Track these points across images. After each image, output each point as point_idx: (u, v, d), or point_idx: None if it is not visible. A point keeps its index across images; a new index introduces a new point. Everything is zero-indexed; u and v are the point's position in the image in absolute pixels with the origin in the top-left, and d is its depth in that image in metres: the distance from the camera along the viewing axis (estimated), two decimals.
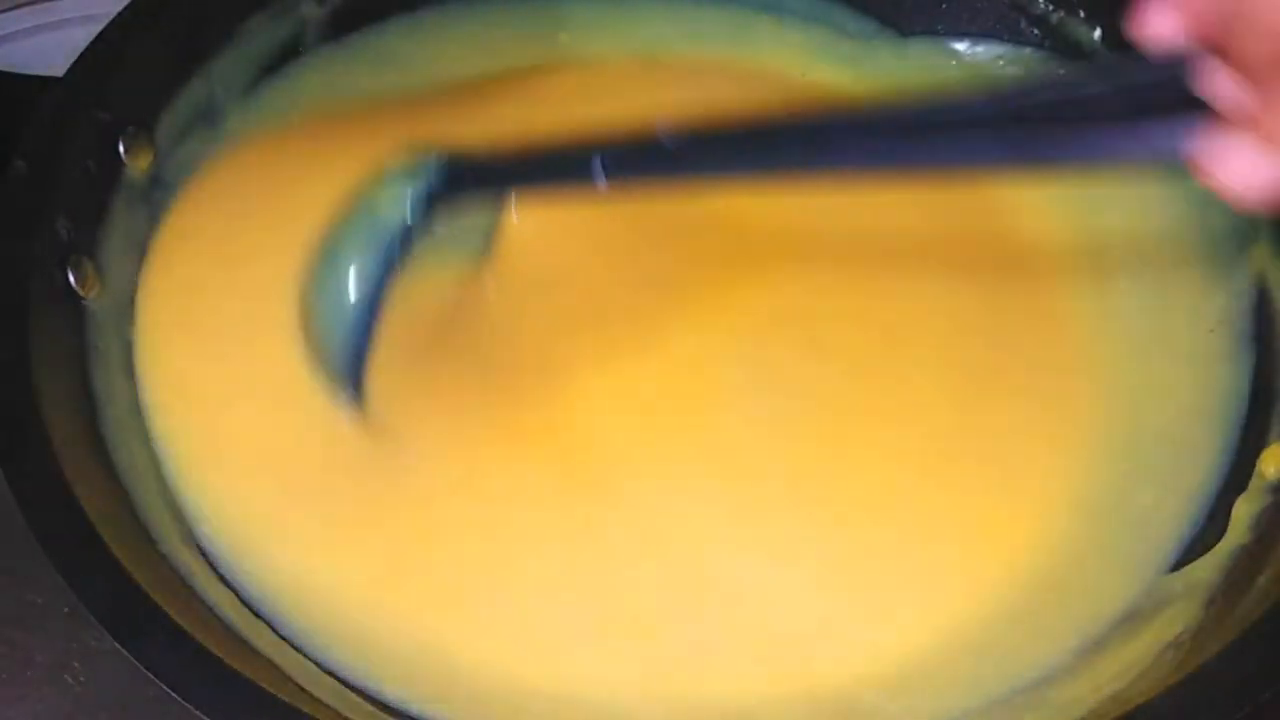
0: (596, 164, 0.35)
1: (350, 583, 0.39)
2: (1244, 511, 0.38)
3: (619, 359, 0.43)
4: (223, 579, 0.38)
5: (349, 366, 0.40)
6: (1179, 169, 0.27)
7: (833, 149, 0.32)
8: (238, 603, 0.37)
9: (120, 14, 0.44)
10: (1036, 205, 0.47)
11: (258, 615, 0.37)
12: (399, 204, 0.39)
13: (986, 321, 0.44)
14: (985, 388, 0.43)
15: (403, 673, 0.37)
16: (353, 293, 0.39)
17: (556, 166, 0.37)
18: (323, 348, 0.40)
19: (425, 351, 0.42)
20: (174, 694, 0.31)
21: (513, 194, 0.42)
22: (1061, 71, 0.45)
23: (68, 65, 0.42)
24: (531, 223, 0.44)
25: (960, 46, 0.51)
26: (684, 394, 0.42)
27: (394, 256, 0.39)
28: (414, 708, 0.37)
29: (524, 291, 0.44)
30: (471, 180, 0.39)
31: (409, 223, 0.39)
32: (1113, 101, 0.28)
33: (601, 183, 0.35)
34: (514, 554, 0.39)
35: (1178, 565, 0.39)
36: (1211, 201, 0.44)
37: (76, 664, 0.42)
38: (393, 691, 0.37)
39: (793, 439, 0.41)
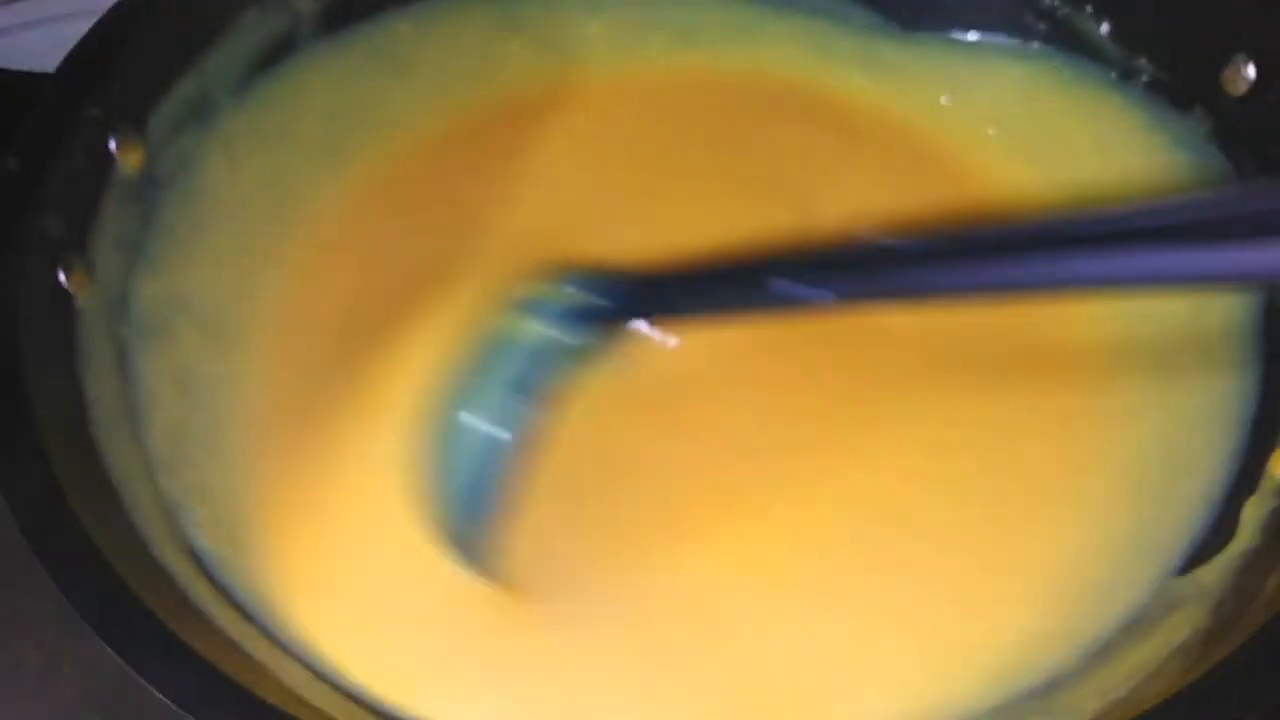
0: (780, 283, 0.33)
1: None
2: (1253, 514, 0.38)
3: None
4: (214, 583, 0.37)
5: (479, 526, 0.37)
6: None
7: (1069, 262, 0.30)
8: (229, 607, 0.37)
9: (111, 10, 0.43)
10: None
11: (250, 619, 0.37)
12: (536, 340, 0.36)
13: (993, 333, 0.44)
14: (994, 403, 0.43)
15: None
16: (491, 444, 0.36)
17: (733, 287, 0.35)
18: (449, 508, 0.37)
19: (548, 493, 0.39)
20: (165, 698, 0.31)
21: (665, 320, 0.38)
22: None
23: (58, 61, 0.42)
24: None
25: (966, 40, 0.50)
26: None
27: (535, 397, 0.36)
28: (410, 714, 0.36)
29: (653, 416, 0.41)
30: (619, 306, 0.37)
31: (551, 358, 0.36)
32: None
33: (808, 296, 0.32)
34: None
35: (1186, 569, 0.38)
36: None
37: (67, 668, 0.42)
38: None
39: (804, 465, 0.41)
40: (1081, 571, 0.39)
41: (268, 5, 0.46)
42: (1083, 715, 0.34)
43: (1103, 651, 0.37)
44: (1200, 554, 0.39)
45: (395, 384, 0.43)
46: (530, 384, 0.37)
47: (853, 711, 0.37)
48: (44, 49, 0.45)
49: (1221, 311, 0.43)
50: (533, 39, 0.51)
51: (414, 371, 0.42)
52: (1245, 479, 0.39)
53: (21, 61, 0.52)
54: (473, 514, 0.38)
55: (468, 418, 0.37)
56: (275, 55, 0.47)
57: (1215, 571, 0.37)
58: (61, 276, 0.39)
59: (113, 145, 0.42)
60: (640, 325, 0.40)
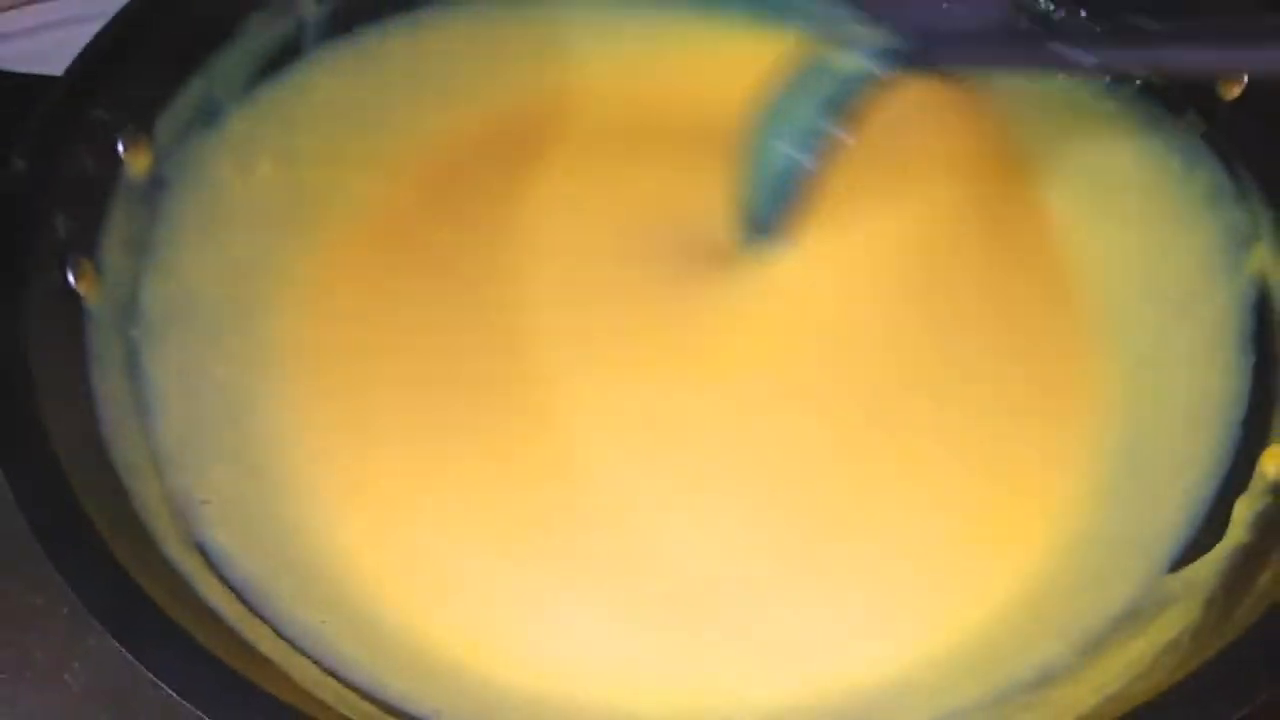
0: (1057, 45, 0.38)
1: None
2: (1244, 511, 0.38)
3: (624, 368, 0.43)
4: (223, 579, 0.38)
5: (776, 215, 0.43)
6: None
7: None
8: (238, 603, 0.37)
9: (119, 13, 0.43)
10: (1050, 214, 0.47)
11: (258, 615, 0.37)
12: (852, 68, 0.42)
13: (987, 328, 0.44)
14: (986, 395, 0.43)
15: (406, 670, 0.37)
16: (798, 151, 0.42)
17: (1017, 45, 0.42)
18: (755, 199, 0.43)
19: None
20: (174, 694, 0.31)
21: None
22: None
23: (66, 64, 0.42)
24: None
25: None
26: (700, 409, 0.42)
27: (842, 115, 0.42)
28: (416, 707, 0.37)
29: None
30: (923, 53, 0.42)
31: (861, 84, 0.42)
32: None
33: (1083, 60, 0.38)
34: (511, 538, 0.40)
35: (1177, 565, 0.39)
36: (1212, 202, 0.45)
37: (76, 664, 0.42)
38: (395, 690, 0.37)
39: (803, 450, 0.42)
40: (1073, 568, 0.39)
41: (274, 10, 0.47)
42: (1075, 711, 0.34)
43: (1095, 647, 0.37)
44: (1192, 551, 0.39)
45: (401, 383, 0.43)
46: (839, 103, 0.43)
47: (841, 702, 0.37)
48: (52, 52, 0.45)
49: (1213, 310, 0.43)
50: (532, 42, 0.52)
51: (423, 370, 0.43)
52: (1236, 476, 0.40)
53: (30, 64, 0.52)
54: (773, 207, 0.44)
55: (778, 128, 0.43)
56: (281, 59, 0.48)
57: (1207, 568, 0.38)
58: (70, 278, 0.40)
59: (121, 148, 0.42)
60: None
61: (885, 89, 0.43)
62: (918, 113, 0.46)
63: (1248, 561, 0.37)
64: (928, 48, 0.42)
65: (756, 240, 0.44)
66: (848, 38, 0.43)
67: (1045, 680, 0.37)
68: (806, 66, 0.43)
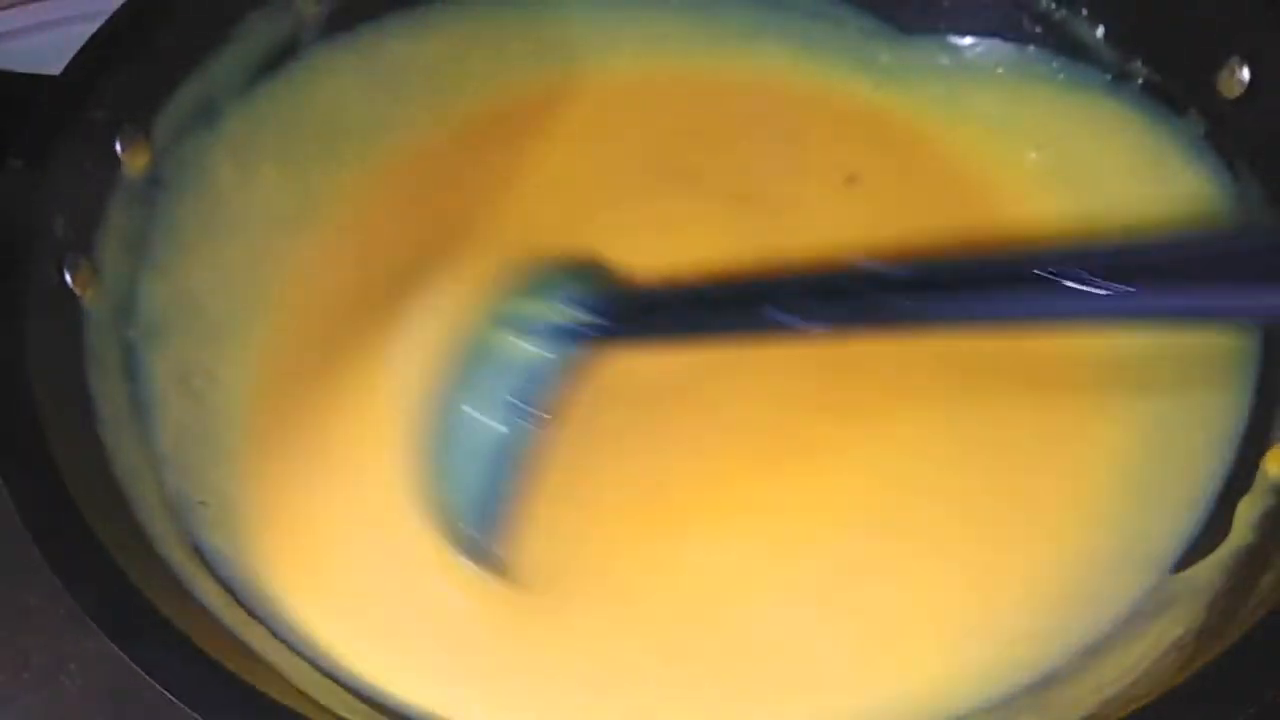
0: (773, 311, 0.33)
1: None
2: (1247, 512, 0.38)
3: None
4: (219, 580, 0.38)
5: (487, 524, 0.38)
6: None
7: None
8: (234, 604, 0.37)
9: (116, 12, 0.43)
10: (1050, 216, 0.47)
11: (254, 617, 0.37)
12: (524, 358, 0.37)
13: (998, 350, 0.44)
14: (991, 397, 0.43)
15: None
16: (493, 457, 0.37)
17: (725, 312, 0.35)
18: (453, 507, 0.38)
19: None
20: (170, 695, 0.31)
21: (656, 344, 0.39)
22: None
23: (64, 64, 0.42)
24: None
25: (962, 44, 0.51)
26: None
27: (531, 412, 0.37)
28: (413, 710, 0.37)
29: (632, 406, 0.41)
30: (610, 326, 0.37)
31: (545, 365, 0.37)
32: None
33: (800, 326, 0.33)
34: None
35: (1180, 566, 0.39)
36: (1214, 201, 0.44)
37: (73, 665, 0.42)
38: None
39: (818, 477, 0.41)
40: (1076, 569, 0.39)
41: (272, 9, 0.47)
42: (1078, 713, 0.34)
43: (1097, 649, 0.37)
44: (1195, 552, 0.39)
45: (399, 383, 0.43)
46: (523, 395, 0.38)
47: (848, 707, 0.37)
48: (50, 51, 0.45)
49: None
50: (532, 43, 0.52)
51: (417, 371, 0.43)
52: (1239, 477, 0.40)
53: (27, 63, 0.52)
54: (475, 514, 0.38)
55: (466, 425, 0.38)
56: (280, 58, 0.48)
57: (1209, 569, 0.38)
58: (68, 278, 0.40)
59: (118, 147, 0.42)
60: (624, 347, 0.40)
61: (572, 369, 0.38)
62: None
63: (1251, 563, 0.37)
64: (616, 321, 0.37)
65: (478, 561, 0.39)
66: (520, 313, 0.38)
67: (1048, 682, 0.37)
68: (481, 358, 0.38)
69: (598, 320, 0.38)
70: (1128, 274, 0.29)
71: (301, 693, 0.34)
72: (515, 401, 0.37)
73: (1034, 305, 0.31)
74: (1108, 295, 0.29)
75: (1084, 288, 0.29)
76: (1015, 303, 0.31)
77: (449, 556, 0.39)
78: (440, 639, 0.39)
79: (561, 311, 0.38)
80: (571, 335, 0.38)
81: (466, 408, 0.38)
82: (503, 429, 0.37)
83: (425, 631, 0.39)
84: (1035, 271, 0.30)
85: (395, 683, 0.37)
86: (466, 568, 0.39)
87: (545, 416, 0.37)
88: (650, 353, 0.40)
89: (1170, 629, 0.36)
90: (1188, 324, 0.35)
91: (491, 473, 0.38)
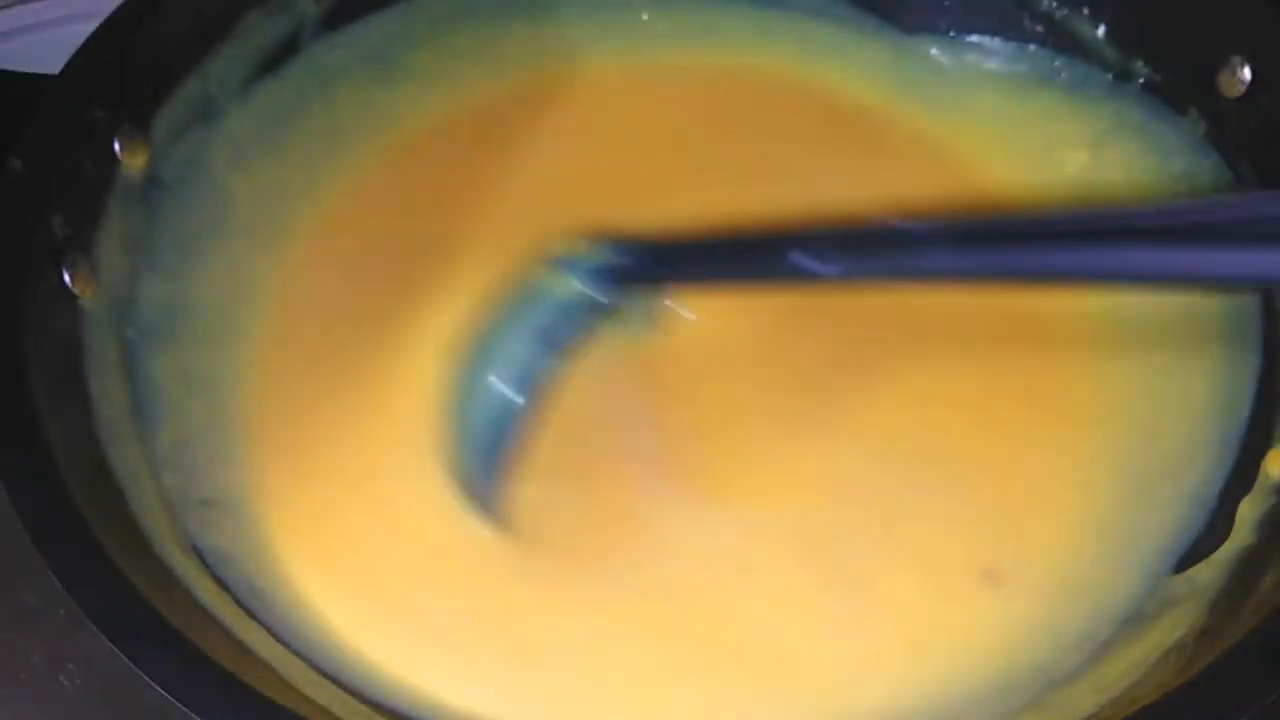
0: (797, 256, 0.34)
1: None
2: (1249, 513, 0.38)
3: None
4: (218, 581, 0.38)
5: (491, 472, 0.39)
6: None
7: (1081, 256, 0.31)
8: (233, 605, 0.37)
9: (115, 12, 0.43)
10: None
11: (253, 617, 0.37)
12: (565, 291, 0.39)
13: (989, 329, 0.44)
14: (991, 395, 0.43)
15: None
16: (513, 391, 0.38)
17: (753, 257, 0.37)
18: (465, 451, 0.39)
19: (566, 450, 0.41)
20: (169, 696, 0.31)
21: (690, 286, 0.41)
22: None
23: (63, 63, 0.42)
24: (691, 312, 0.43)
25: (963, 43, 0.50)
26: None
27: (559, 350, 0.39)
28: (411, 711, 0.37)
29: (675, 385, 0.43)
30: (643, 270, 0.39)
31: (577, 309, 0.39)
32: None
33: (823, 271, 0.34)
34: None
35: (1182, 567, 0.39)
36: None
37: (72, 666, 0.42)
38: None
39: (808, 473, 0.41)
40: (1077, 570, 0.39)
41: (271, 7, 0.47)
42: (1079, 713, 0.34)
43: (1099, 649, 0.37)
44: (1196, 552, 0.39)
45: (400, 382, 0.43)
46: (554, 336, 0.39)
47: (846, 702, 0.37)
48: (49, 51, 0.45)
49: (1218, 311, 0.43)
50: (532, 37, 0.52)
51: (419, 367, 0.43)
52: (1241, 478, 0.40)
53: (26, 63, 0.52)
54: (486, 459, 0.39)
55: (490, 365, 0.39)
56: (279, 57, 0.48)
57: (1211, 570, 0.38)
58: (67, 277, 0.40)
59: (117, 147, 0.42)
60: (661, 293, 0.42)
61: (605, 314, 0.40)
62: None
63: (1252, 563, 0.37)
64: (653, 265, 0.39)
65: (478, 511, 0.40)
66: (569, 254, 0.40)
67: (1049, 683, 0.37)
68: (519, 293, 0.40)
69: (633, 263, 0.39)
70: (1126, 235, 0.30)
71: (300, 693, 0.34)
72: (543, 343, 0.39)
73: (1043, 261, 0.32)
74: (1111, 252, 0.30)
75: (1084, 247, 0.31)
76: (1024, 258, 0.32)
77: (457, 536, 0.40)
78: (450, 614, 0.39)
79: (601, 254, 0.40)
80: (608, 277, 0.39)
81: (492, 350, 0.40)
82: (523, 379, 0.39)
83: (436, 607, 0.39)
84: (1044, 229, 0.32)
85: (407, 666, 0.38)
86: (476, 542, 0.39)
87: (568, 361, 0.39)
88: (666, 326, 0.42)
89: (1171, 630, 0.36)
90: (1184, 286, 0.36)
91: (505, 421, 0.39)
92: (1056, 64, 0.49)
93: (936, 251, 0.34)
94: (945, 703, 0.37)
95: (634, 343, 0.43)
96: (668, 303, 0.43)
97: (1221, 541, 0.38)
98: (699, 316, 0.43)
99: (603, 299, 0.40)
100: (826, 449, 0.42)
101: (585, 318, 0.40)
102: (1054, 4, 0.49)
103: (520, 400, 0.39)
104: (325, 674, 0.36)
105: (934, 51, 0.51)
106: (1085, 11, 0.48)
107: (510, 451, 0.39)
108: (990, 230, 0.34)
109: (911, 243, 0.34)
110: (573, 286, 0.40)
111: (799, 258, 0.35)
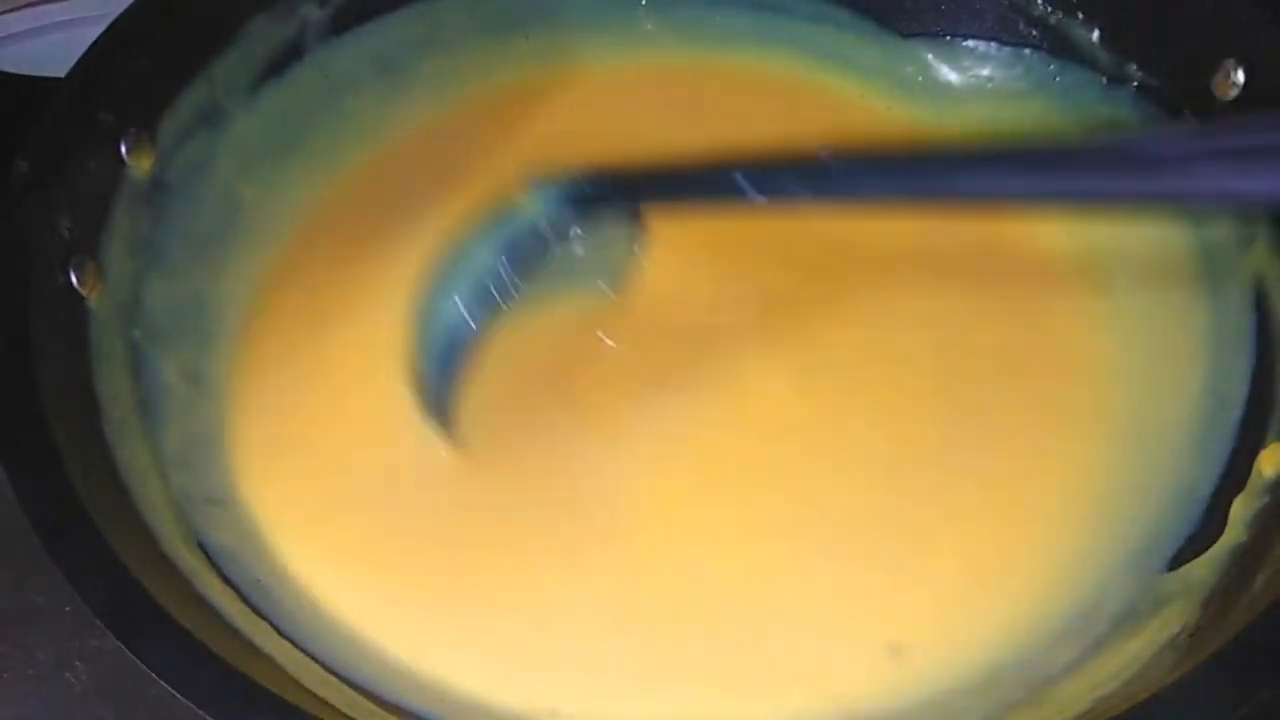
0: (742, 180, 0.37)
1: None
2: (1242, 511, 0.38)
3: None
4: (224, 578, 0.38)
5: (448, 382, 0.40)
6: None
7: (1007, 177, 0.33)
8: (239, 601, 0.37)
9: (122, 15, 0.44)
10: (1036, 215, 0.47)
11: (260, 614, 0.37)
12: (536, 211, 0.41)
13: (985, 329, 0.44)
14: (984, 395, 0.43)
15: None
16: (474, 303, 0.40)
17: (702, 182, 0.39)
18: (424, 361, 0.40)
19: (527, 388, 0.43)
20: (176, 692, 0.31)
21: (649, 210, 0.43)
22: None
23: (70, 67, 0.42)
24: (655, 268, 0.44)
25: (959, 48, 0.51)
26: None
27: (523, 268, 0.41)
28: (417, 707, 0.37)
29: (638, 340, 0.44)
30: (611, 192, 0.41)
31: (546, 229, 0.41)
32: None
33: (755, 198, 0.36)
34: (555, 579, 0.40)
35: (1175, 564, 0.39)
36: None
37: (78, 663, 0.42)
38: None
39: (799, 461, 0.42)
40: (1070, 568, 0.39)
41: (276, 12, 0.47)
42: (1072, 710, 0.35)
43: (1092, 646, 0.37)
44: (1189, 550, 0.39)
45: (398, 373, 0.43)
46: (521, 254, 0.41)
47: (840, 692, 0.38)
48: (56, 54, 0.46)
49: (1211, 310, 0.43)
50: (533, 39, 0.52)
51: None
52: (1234, 476, 0.40)
53: (33, 66, 0.52)
54: (442, 371, 0.41)
55: (456, 277, 0.41)
56: (284, 61, 0.48)
57: (1204, 567, 0.38)
58: (74, 279, 0.40)
59: (124, 150, 0.42)
60: (625, 222, 0.43)
61: (572, 234, 0.42)
62: None
63: (1245, 561, 0.37)
64: (618, 189, 0.41)
65: (433, 423, 0.41)
66: (542, 181, 0.42)
67: (1043, 679, 0.37)
68: (492, 213, 0.42)
69: (600, 189, 0.41)
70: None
71: (307, 690, 0.34)
72: (510, 263, 0.41)
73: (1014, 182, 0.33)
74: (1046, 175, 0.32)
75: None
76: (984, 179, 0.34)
77: (460, 522, 0.41)
78: (448, 590, 0.39)
79: (570, 181, 0.42)
80: (578, 199, 0.41)
81: (458, 267, 0.41)
82: (486, 297, 0.41)
83: (435, 583, 0.40)
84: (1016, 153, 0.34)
85: (408, 650, 0.38)
86: (479, 524, 0.40)
87: (531, 283, 0.41)
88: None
89: (1165, 627, 0.36)
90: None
91: (463, 333, 0.41)
92: (1051, 68, 0.49)
93: (872, 175, 0.36)
94: (937, 698, 0.37)
95: (599, 299, 0.44)
96: (631, 256, 0.44)
97: (1214, 539, 0.38)
98: (660, 286, 0.44)
99: (568, 221, 0.42)
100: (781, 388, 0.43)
101: (552, 238, 0.42)
102: (1049, 9, 0.49)
103: (480, 312, 0.41)
104: (330, 670, 0.37)
105: (930, 56, 0.51)
106: (1080, 16, 0.48)
107: (466, 364, 0.41)
108: (907, 158, 0.37)
109: (851, 168, 0.36)
110: (542, 208, 0.41)
111: (747, 181, 0.37)
